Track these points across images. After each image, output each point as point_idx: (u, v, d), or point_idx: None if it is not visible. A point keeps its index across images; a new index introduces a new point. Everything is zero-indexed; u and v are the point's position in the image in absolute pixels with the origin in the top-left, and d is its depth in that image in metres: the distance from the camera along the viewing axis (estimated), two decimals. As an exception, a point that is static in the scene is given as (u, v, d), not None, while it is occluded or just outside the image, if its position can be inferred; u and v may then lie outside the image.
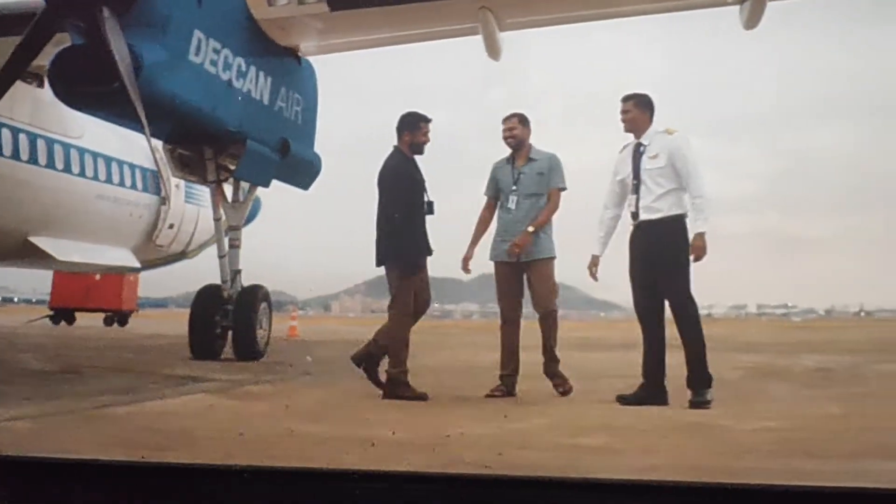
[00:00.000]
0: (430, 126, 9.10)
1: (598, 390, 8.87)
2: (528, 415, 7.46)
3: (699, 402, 7.81)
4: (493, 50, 10.57)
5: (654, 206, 8.32)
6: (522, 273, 9.12)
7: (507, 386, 8.70)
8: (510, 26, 10.65)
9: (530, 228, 9.00)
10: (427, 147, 9.15)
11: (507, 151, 9.37)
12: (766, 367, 11.62)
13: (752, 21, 10.07)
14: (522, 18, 10.80)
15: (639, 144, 8.52)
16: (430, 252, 8.95)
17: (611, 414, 7.38)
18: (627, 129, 8.64)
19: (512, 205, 9.20)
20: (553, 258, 9.22)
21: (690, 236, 8.18)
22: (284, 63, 11.74)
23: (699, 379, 7.95)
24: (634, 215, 8.45)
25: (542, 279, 9.10)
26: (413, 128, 8.95)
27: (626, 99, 8.65)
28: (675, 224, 8.34)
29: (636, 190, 8.43)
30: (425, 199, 8.92)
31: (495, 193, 9.40)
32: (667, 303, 8.28)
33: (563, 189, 9.30)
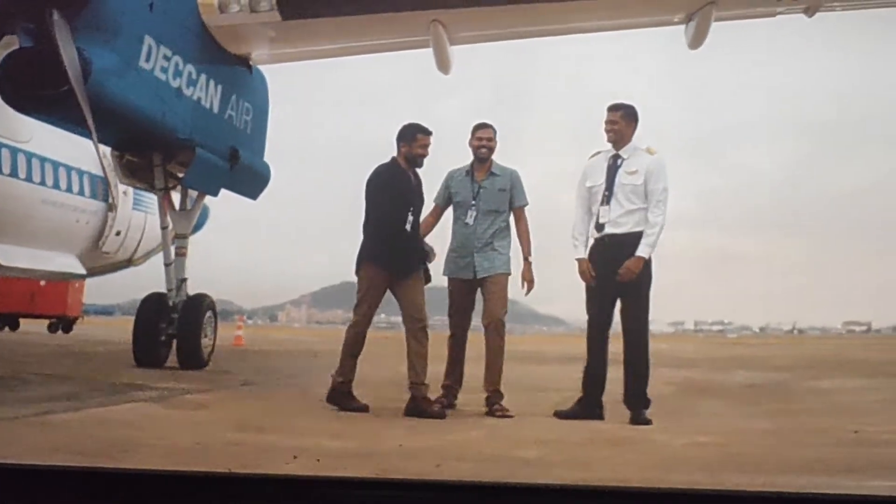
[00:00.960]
0: (430, 139, 8.75)
1: (536, 403, 8.96)
2: (466, 427, 7.52)
3: (642, 420, 7.79)
4: (443, 63, 10.62)
5: (621, 221, 8.25)
6: (477, 289, 8.88)
7: (448, 398, 8.63)
8: (461, 40, 10.71)
9: (530, 258, 8.87)
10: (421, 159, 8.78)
11: (461, 161, 9.18)
12: (700, 382, 11.75)
13: (696, 41, 10.21)
14: (473, 33, 10.87)
15: (616, 156, 8.43)
16: (394, 268, 8.50)
17: (546, 427, 7.48)
18: (611, 140, 8.49)
19: (470, 219, 8.94)
20: (509, 274, 8.90)
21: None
22: (235, 71, 11.72)
23: (641, 397, 7.97)
24: (600, 227, 8.34)
25: (497, 293, 8.83)
26: (409, 139, 8.67)
27: (614, 108, 8.55)
28: (639, 241, 8.24)
29: (607, 201, 8.33)
30: (409, 213, 8.57)
31: (445, 204, 9.17)
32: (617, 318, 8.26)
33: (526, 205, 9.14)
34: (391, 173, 8.67)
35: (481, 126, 9.13)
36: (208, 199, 13.03)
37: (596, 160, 8.65)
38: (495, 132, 9.14)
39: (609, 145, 8.49)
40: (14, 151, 13.72)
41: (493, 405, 8.37)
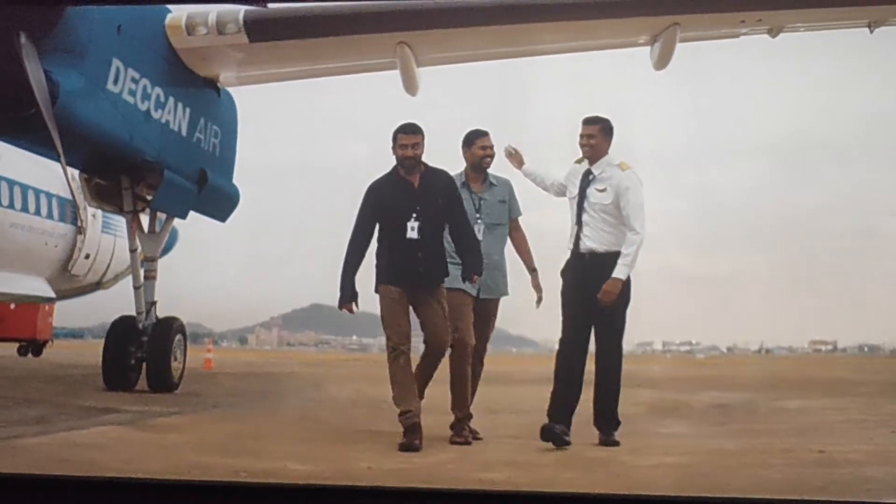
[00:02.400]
0: (417, 139, 8.05)
1: (502, 425, 8.84)
2: (433, 449, 7.41)
3: (611, 442, 7.70)
4: (410, 85, 10.66)
5: (597, 238, 8.00)
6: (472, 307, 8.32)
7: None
8: (428, 62, 10.77)
9: (535, 268, 8.64)
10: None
11: None
12: (667, 402, 11.78)
13: (661, 62, 10.31)
14: (439, 55, 10.92)
15: (588, 172, 8.16)
16: (404, 281, 7.86)
17: (513, 449, 7.51)
18: (587, 155, 8.20)
19: (478, 234, 8.33)
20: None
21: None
22: (203, 94, 11.72)
23: (612, 419, 7.85)
24: (575, 244, 8.09)
25: (492, 316, 8.55)
26: (393, 140, 8.12)
27: (590, 122, 8.23)
28: (617, 258, 7.99)
29: (578, 219, 8.10)
30: (412, 220, 7.90)
31: None
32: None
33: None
34: (384, 182, 8.17)
35: (481, 134, 8.69)
36: (177, 222, 12.98)
37: (577, 168, 8.35)
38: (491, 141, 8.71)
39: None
40: (-19, 175, 13.65)
41: (462, 429, 7.93)
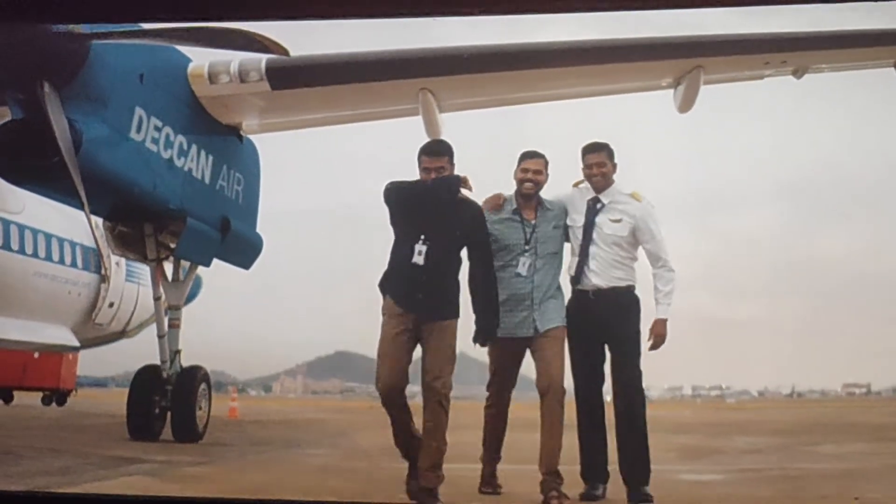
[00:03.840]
0: (442, 162, 7.42)
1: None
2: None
3: (644, 498, 7.17)
4: (433, 131, 10.63)
5: (604, 274, 7.51)
6: (525, 350, 7.61)
7: (491, 485, 7.60)
8: (450, 107, 10.77)
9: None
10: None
11: None
12: (699, 448, 11.66)
13: (685, 104, 10.27)
14: (461, 100, 10.92)
15: (596, 199, 7.70)
16: (407, 305, 7.22)
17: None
18: (598, 186, 7.72)
19: (523, 269, 7.59)
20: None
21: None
22: (226, 141, 11.73)
23: (642, 472, 7.30)
24: (577, 279, 7.62)
25: (557, 351, 7.51)
26: (418, 160, 7.52)
27: (596, 149, 7.80)
28: (630, 297, 7.61)
29: (584, 251, 7.57)
30: (418, 242, 7.25)
31: None
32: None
33: None
34: (405, 188, 7.53)
35: (529, 155, 7.85)
36: (201, 270, 12.97)
37: (574, 195, 7.90)
38: (547, 163, 7.87)
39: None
40: (6, 223, 13.73)
41: (551, 490, 7.20)
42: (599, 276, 7.57)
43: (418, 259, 7.25)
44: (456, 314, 7.38)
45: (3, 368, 21.13)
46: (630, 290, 7.66)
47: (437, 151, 7.58)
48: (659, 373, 7.95)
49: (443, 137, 10.35)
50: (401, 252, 7.35)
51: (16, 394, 22.83)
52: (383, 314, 7.30)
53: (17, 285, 14.22)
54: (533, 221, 7.75)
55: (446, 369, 7.19)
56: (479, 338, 7.36)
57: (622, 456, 7.40)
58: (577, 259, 7.70)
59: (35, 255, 14.51)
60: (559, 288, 7.76)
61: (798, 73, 10.57)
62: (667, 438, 11.32)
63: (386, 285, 7.39)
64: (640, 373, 7.54)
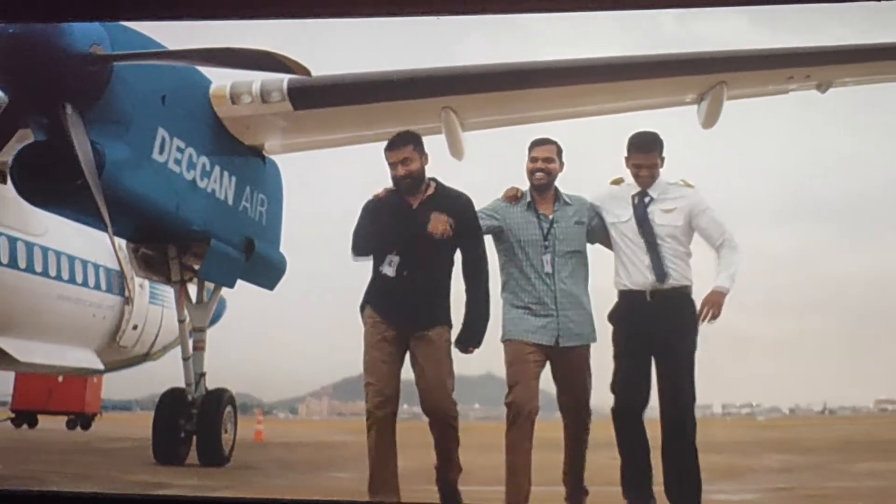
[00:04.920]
0: (404, 153, 7.02)
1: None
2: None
3: None
4: (456, 150, 10.61)
5: (665, 270, 6.93)
6: (548, 361, 6.97)
7: None
8: (473, 126, 10.74)
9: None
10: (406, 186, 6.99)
11: None
12: (732, 467, 11.54)
13: (709, 120, 10.22)
14: (485, 118, 10.89)
15: (643, 194, 7.17)
16: (390, 316, 6.84)
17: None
18: (645, 185, 7.19)
19: (542, 268, 7.01)
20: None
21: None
22: (249, 162, 11.72)
23: (695, 498, 6.75)
24: (629, 278, 7.01)
25: (583, 368, 7.02)
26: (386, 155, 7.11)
27: (648, 147, 7.26)
28: (687, 300, 7.02)
29: (638, 247, 6.98)
30: (391, 254, 6.85)
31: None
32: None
33: None
34: (382, 201, 7.13)
35: (538, 143, 7.34)
36: (225, 291, 12.96)
37: (616, 191, 7.35)
38: (560, 150, 7.32)
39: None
40: (29, 246, 13.76)
41: None
42: (656, 274, 6.97)
43: (386, 270, 6.92)
44: (442, 321, 6.93)
45: (28, 392, 21.19)
46: (687, 291, 7.07)
47: (395, 143, 7.19)
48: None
49: (466, 154, 10.35)
50: (374, 266, 7.05)
51: (40, 418, 22.89)
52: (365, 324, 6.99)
53: (41, 308, 14.24)
54: (550, 216, 7.21)
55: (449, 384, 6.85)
56: (460, 343, 6.89)
57: (670, 479, 6.81)
58: (625, 257, 7.10)
59: (58, 277, 14.54)
60: (587, 296, 7.18)
61: (822, 88, 10.52)
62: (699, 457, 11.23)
63: (368, 294, 7.05)
64: (693, 390, 6.94)
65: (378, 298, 6.96)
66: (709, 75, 10.26)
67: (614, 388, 6.95)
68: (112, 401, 21.92)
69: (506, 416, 6.87)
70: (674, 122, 11.27)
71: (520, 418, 6.78)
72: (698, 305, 7.02)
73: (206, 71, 10.72)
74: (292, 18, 5.97)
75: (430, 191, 7.10)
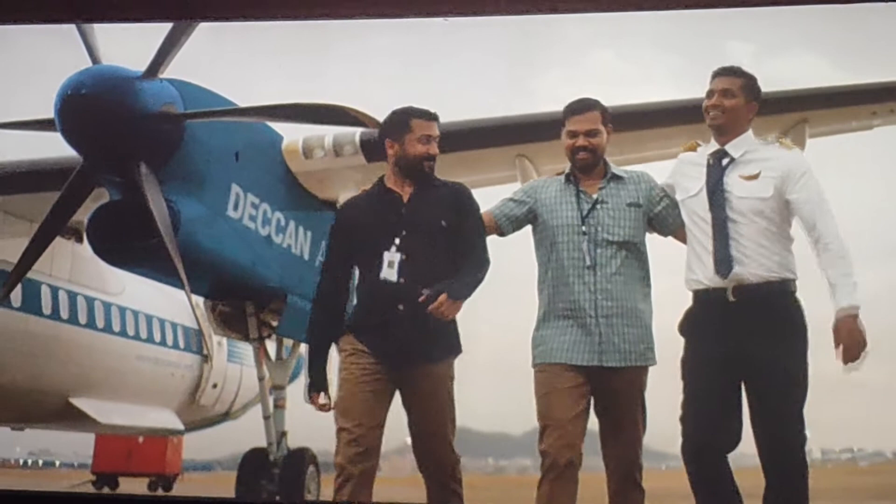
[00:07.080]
0: (435, 127, 5.53)
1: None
2: None
3: None
4: (532, 197, 10.48)
5: (753, 259, 4.99)
6: (588, 386, 5.17)
7: None
8: (548, 172, 10.62)
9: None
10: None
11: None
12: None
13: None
14: (560, 164, 10.76)
15: (721, 153, 5.27)
16: (378, 348, 5.34)
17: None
18: (715, 124, 5.23)
19: (576, 262, 5.27)
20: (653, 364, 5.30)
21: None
22: (323, 216, 11.63)
23: None
24: (703, 272, 5.09)
25: (632, 404, 5.26)
26: (399, 132, 5.61)
27: (727, 73, 5.23)
28: (789, 300, 5.13)
29: (715, 229, 5.06)
30: (390, 252, 5.29)
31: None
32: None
33: None
34: (362, 198, 5.98)
35: (576, 109, 5.55)
36: (303, 347, 12.90)
37: (690, 157, 5.46)
38: (606, 116, 5.55)
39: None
40: (107, 305, 13.81)
41: None
42: (742, 264, 5.02)
43: (385, 275, 5.36)
44: (454, 349, 5.49)
45: (108, 454, 21.24)
46: (788, 286, 5.15)
47: (433, 115, 5.61)
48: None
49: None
50: (362, 276, 5.60)
51: (121, 480, 22.92)
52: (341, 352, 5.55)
53: (120, 369, 14.26)
54: (595, 195, 5.46)
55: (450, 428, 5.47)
56: (434, 292, 5.19)
57: None
58: (697, 244, 5.21)
59: (137, 337, 14.58)
60: (645, 302, 5.38)
61: (909, 122, 10.29)
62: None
63: (352, 324, 5.58)
64: (802, 425, 5.04)
65: (368, 319, 5.48)
66: (789, 114, 10.07)
67: (684, 420, 5.14)
68: (193, 461, 21.92)
69: (540, 467, 5.20)
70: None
71: (555, 469, 5.06)
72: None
73: (277, 126, 10.70)
74: (293, 20, 5.90)
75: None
